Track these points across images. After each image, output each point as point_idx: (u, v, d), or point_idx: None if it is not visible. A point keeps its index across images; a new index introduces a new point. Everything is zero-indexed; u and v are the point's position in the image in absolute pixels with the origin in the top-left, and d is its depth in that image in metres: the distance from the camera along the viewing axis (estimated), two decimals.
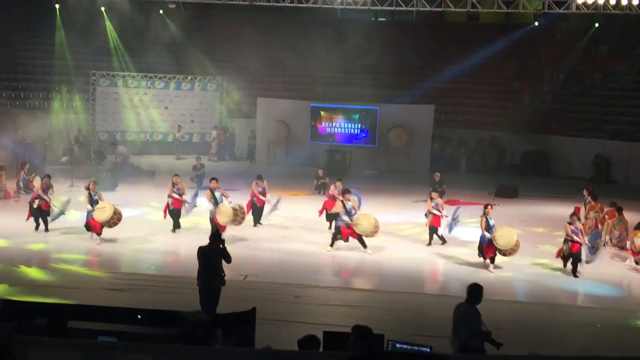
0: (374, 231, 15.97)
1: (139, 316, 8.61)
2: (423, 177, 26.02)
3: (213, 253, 10.90)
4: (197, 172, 23.86)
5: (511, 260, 15.63)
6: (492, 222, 15.08)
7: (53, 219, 16.83)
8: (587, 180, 26.95)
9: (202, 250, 10.95)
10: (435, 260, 15.89)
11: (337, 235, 16.17)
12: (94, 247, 15.54)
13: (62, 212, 16.90)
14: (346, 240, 16.16)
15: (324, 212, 18.09)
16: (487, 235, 14.92)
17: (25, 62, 33.73)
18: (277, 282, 13.65)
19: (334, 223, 17.06)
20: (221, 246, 10.95)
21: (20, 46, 34.15)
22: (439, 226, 16.94)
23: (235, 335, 8.49)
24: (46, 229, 16.71)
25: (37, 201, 16.73)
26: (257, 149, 30.96)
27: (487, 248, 15.00)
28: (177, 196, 17.27)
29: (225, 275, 10.98)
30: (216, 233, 11.45)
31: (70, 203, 17.46)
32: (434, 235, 16.99)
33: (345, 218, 15.87)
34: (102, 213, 15.62)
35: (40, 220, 16.78)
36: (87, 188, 16.14)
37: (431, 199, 17.10)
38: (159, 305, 9.98)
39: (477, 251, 15.33)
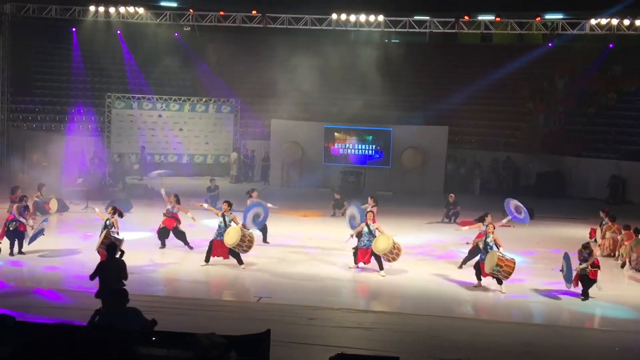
0: (392, 252, 15.85)
1: (152, 338, 8.57)
2: (437, 199, 25.95)
3: (115, 267, 11.05)
4: (211, 194, 23.91)
5: (526, 282, 15.57)
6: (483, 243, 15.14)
7: (30, 241, 16.65)
8: (603, 201, 26.77)
9: (103, 266, 11.11)
10: (448, 282, 15.75)
11: (354, 255, 16.28)
12: None
13: (40, 233, 16.80)
14: (357, 264, 16.22)
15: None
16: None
17: (42, 84, 34.10)
18: (291, 304, 13.60)
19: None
20: (119, 256, 11.10)
21: (37, 69, 34.57)
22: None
23: (250, 357, 8.43)
24: (20, 251, 16.44)
25: (13, 223, 16.49)
26: (271, 171, 31.03)
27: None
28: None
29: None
30: (110, 245, 11.39)
31: (47, 222, 17.73)
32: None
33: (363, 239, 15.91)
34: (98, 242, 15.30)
35: (16, 242, 16.49)
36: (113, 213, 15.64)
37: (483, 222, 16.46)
38: (173, 327, 9.93)
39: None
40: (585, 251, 14.81)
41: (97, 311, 8.78)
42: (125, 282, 11.27)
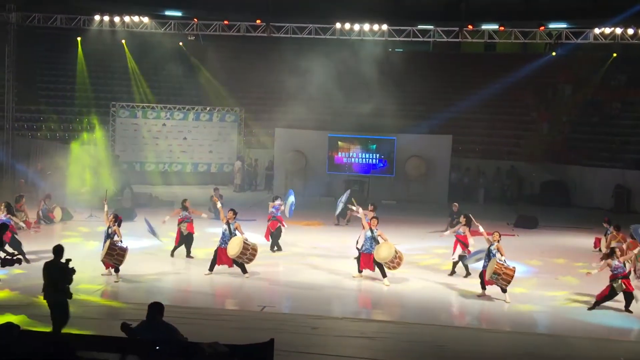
0: (394, 260, 15.83)
1: (157, 347, 8.56)
2: (441, 208, 25.91)
3: (57, 269, 11.05)
4: None
5: (531, 291, 15.53)
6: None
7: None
8: (607, 210, 26.69)
9: (47, 266, 11.12)
10: (453, 292, 15.72)
11: (358, 263, 16.33)
12: (111, 278, 15.55)
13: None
14: (360, 271, 16.27)
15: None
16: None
17: (47, 93, 34.22)
18: (294, 313, 13.58)
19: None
20: (66, 262, 11.04)
21: (42, 78, 34.70)
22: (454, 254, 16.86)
23: None
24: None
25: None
26: (275, 180, 31.02)
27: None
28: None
29: (70, 291, 11.08)
30: (56, 247, 11.36)
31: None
32: (458, 264, 16.85)
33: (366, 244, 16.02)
34: (103, 253, 15.52)
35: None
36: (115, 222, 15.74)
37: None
38: None
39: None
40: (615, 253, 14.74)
41: (124, 323, 8.79)
42: (68, 285, 11.08)
